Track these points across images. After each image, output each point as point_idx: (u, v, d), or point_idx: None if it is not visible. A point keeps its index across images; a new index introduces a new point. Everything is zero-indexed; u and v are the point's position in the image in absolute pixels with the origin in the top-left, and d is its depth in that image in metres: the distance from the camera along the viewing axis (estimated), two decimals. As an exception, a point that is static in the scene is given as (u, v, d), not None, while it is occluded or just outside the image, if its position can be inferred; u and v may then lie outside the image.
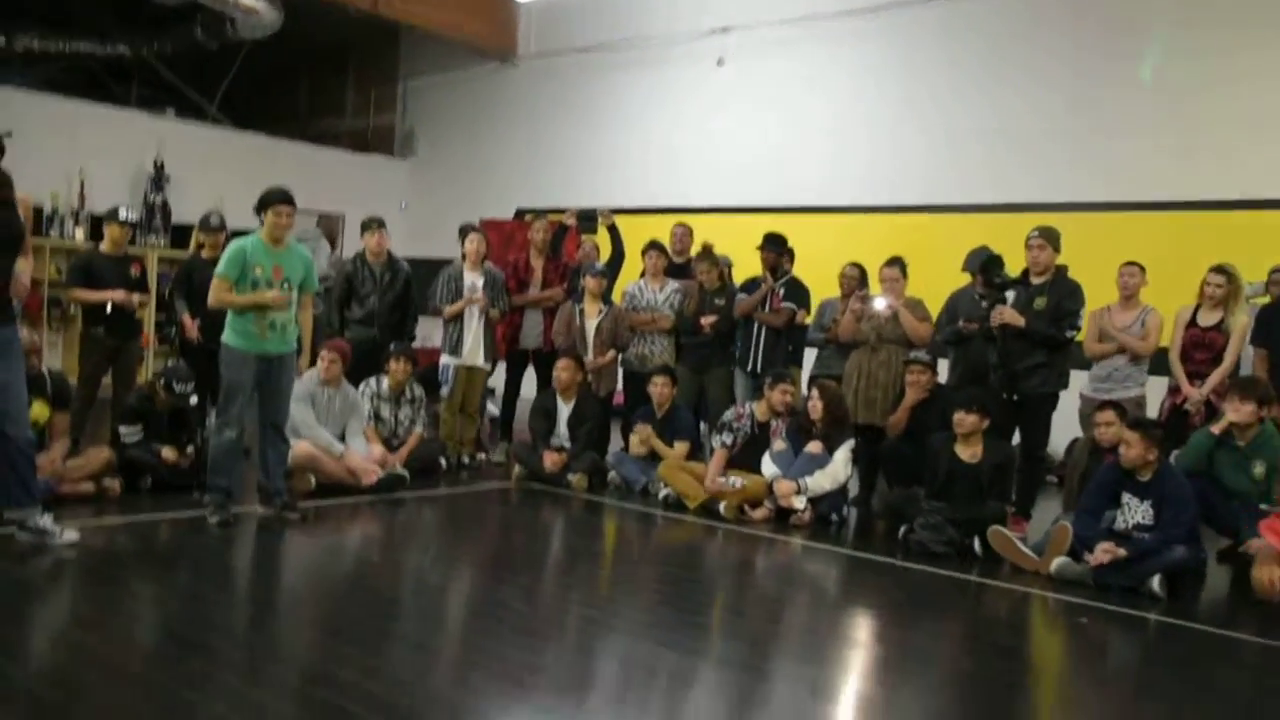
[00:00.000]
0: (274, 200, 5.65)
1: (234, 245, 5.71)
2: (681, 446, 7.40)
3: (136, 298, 7.18)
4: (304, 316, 5.95)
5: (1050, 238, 6.61)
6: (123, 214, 7.32)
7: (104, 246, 7.31)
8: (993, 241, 7.32)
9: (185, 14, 12.64)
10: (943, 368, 7.18)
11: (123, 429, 6.32)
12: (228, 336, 5.66)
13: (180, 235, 11.97)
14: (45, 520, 4.81)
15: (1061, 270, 6.67)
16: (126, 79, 14.40)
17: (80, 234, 11.28)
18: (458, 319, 7.79)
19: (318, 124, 16.54)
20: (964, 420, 6.23)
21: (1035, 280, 6.61)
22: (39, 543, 4.78)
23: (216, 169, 12.26)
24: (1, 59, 13.14)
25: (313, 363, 6.71)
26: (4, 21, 13.15)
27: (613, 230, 8.63)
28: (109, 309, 7.06)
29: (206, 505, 5.62)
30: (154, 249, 11.73)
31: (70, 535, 4.83)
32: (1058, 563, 5.55)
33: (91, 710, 3.18)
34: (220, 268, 5.64)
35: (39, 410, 5.68)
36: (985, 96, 9.96)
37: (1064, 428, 7.17)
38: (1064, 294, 6.52)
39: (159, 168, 12.17)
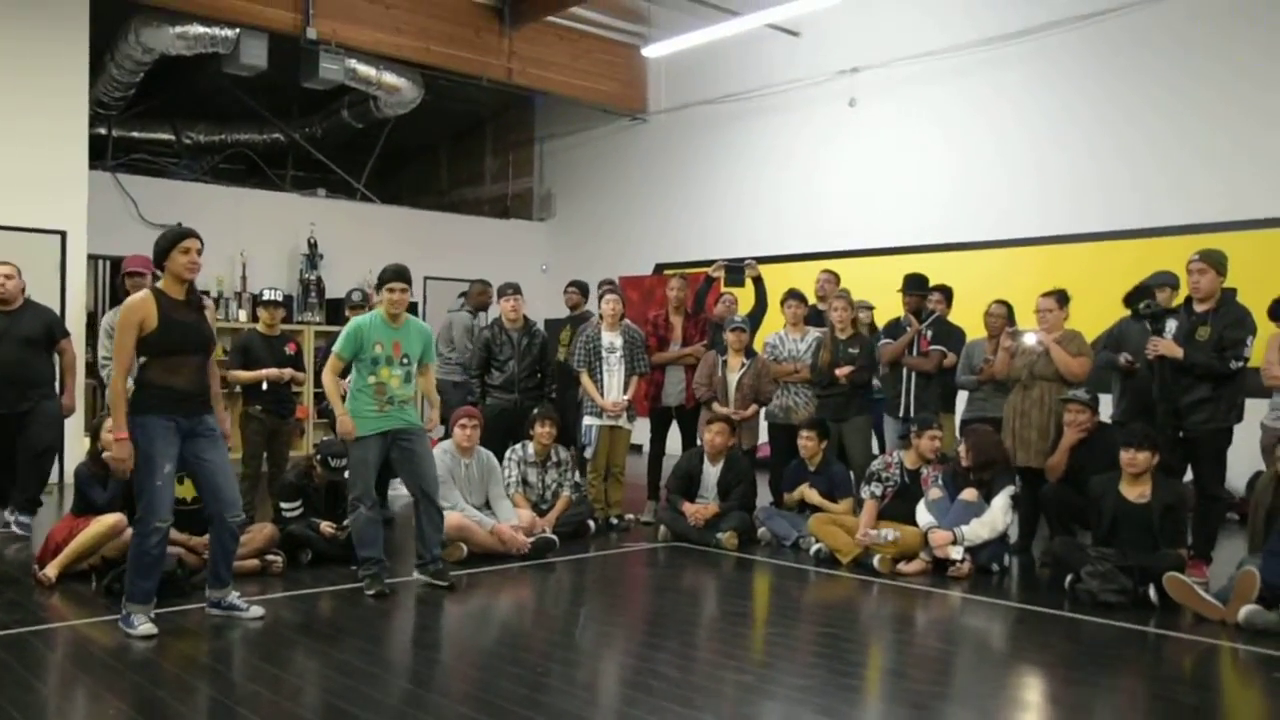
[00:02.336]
0: (387, 279, 5.83)
1: (351, 324, 5.92)
2: (845, 503, 7.23)
3: (288, 373, 7.47)
4: (425, 384, 6.12)
5: (1213, 261, 6.23)
6: (268, 295, 7.66)
7: (259, 327, 7.65)
8: (1158, 267, 6.97)
9: (333, 97, 13.30)
10: (1106, 401, 6.83)
11: (283, 505, 6.55)
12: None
13: (334, 310, 12.50)
14: (235, 597, 5.18)
15: (1228, 295, 6.28)
16: (281, 163, 15.21)
17: (243, 314, 11.87)
18: (597, 380, 7.83)
19: (459, 193, 17.12)
20: (1135, 459, 5.88)
21: (1198, 308, 6.25)
22: (228, 619, 5.10)
23: (365, 244, 12.78)
24: (172, 154, 14.07)
25: (443, 419, 6.81)
26: (174, 119, 14.11)
27: (758, 282, 8.61)
28: (264, 387, 7.37)
29: (362, 579, 5.78)
30: (310, 325, 12.23)
31: (256, 610, 5.17)
32: (1246, 611, 5.17)
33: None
34: (336, 346, 5.89)
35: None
36: (1129, 118, 9.55)
37: (1245, 460, 6.74)
38: (1229, 321, 6.12)
39: (312, 246, 12.75)
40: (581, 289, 9.23)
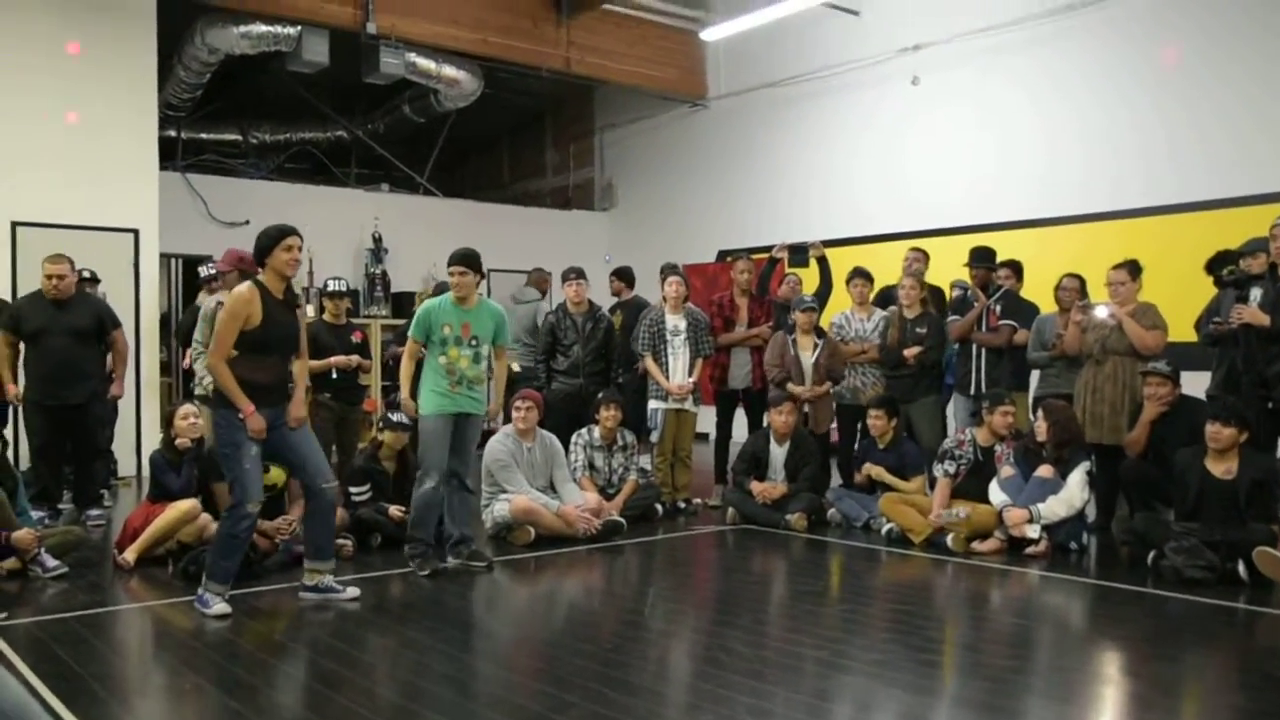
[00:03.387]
0: (450, 263, 5.95)
1: (422, 307, 6.05)
2: (917, 481, 7.12)
3: (355, 360, 7.53)
4: (498, 367, 6.20)
5: (1299, 225, 6.01)
6: (333, 286, 7.74)
7: (325, 316, 7.73)
8: (1233, 238, 6.75)
9: (395, 92, 13.43)
10: (1191, 377, 6.62)
11: (352, 489, 6.62)
12: (423, 397, 5.93)
13: (400, 303, 12.61)
14: (331, 579, 5.26)
15: (1317, 260, 6.06)
16: (345, 160, 15.39)
17: (311, 310, 12.00)
18: (662, 363, 7.80)
19: (521, 185, 17.20)
20: (1220, 434, 5.69)
21: (1285, 273, 6.04)
22: (324, 600, 5.17)
23: (429, 237, 12.87)
24: (239, 153, 14.33)
25: (505, 410, 6.85)
26: (240, 120, 14.38)
27: (822, 262, 8.52)
28: (334, 375, 7.45)
29: (410, 558, 5.86)
30: (376, 319, 12.36)
31: (352, 591, 5.25)
32: (1340, 585, 4.98)
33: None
34: (411, 330, 5.99)
35: (277, 474, 6.06)
36: (1200, 88, 9.25)
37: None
38: (1319, 286, 5.90)
39: (377, 241, 12.88)
40: (623, 276, 9.21)
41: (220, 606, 4.91)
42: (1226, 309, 6.31)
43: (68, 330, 7.19)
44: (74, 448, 7.45)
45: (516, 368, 8.78)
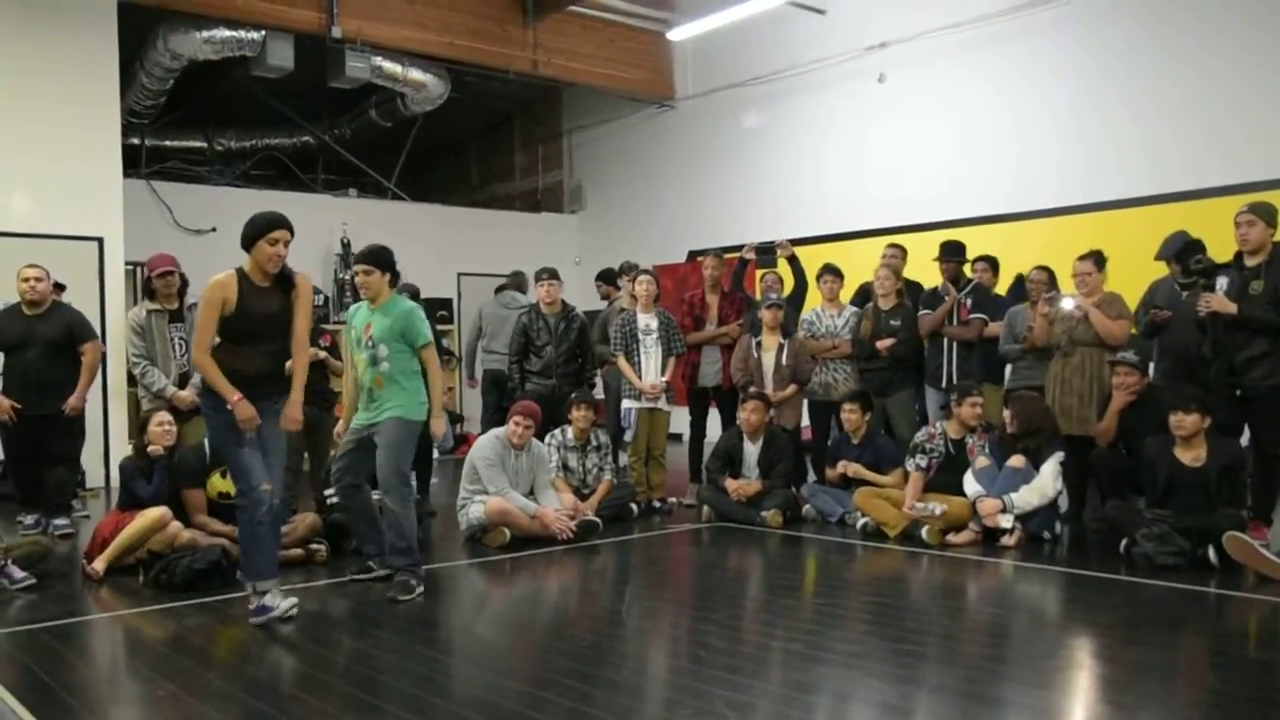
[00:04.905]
0: (355, 262, 5.60)
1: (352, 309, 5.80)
2: (895, 475, 7.14)
3: (322, 354, 7.44)
4: (431, 380, 5.58)
5: (1262, 212, 6.10)
6: None
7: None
8: (1206, 228, 6.84)
9: (361, 97, 13.37)
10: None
11: (327, 493, 6.57)
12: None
13: (370, 308, 12.55)
14: (268, 598, 4.86)
15: (1280, 248, 6.14)
16: (312, 166, 15.31)
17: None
18: (634, 362, 7.80)
19: (490, 189, 17.17)
20: (1183, 421, 5.77)
21: (1250, 262, 6.11)
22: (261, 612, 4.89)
23: (398, 242, 12.47)
24: (204, 160, 14.21)
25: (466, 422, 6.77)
26: (205, 127, 14.26)
27: (793, 261, 8.55)
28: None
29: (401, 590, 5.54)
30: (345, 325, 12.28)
31: (289, 603, 4.89)
32: (1310, 568, 5.04)
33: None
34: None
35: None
36: (1170, 79, 9.35)
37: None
38: (1284, 273, 5.98)
39: (346, 246, 12.80)
40: (607, 278, 9.22)
41: (283, 603, 4.78)
42: (1164, 299, 6.43)
43: (44, 342, 7.24)
44: (42, 462, 7.40)
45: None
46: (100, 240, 9.80)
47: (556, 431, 7.51)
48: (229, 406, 4.73)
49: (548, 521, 6.66)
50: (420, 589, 5.34)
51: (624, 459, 8.14)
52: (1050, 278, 7.29)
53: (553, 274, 8.09)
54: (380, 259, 5.52)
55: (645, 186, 14.47)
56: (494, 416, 9.05)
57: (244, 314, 4.78)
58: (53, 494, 7.36)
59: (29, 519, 7.38)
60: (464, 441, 10.99)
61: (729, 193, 13.27)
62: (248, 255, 4.84)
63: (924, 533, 6.43)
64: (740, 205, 13.03)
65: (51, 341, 7.26)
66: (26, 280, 7.23)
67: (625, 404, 7.88)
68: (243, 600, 5.20)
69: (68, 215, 9.56)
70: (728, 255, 8.85)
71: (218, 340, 4.79)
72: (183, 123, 13.89)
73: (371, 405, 5.49)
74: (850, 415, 7.36)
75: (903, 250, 8.30)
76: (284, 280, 4.91)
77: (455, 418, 12.60)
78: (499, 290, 10.15)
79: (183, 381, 7.14)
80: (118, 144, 10.09)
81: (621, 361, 7.86)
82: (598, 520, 6.99)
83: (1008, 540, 6.23)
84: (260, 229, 4.79)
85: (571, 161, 15.84)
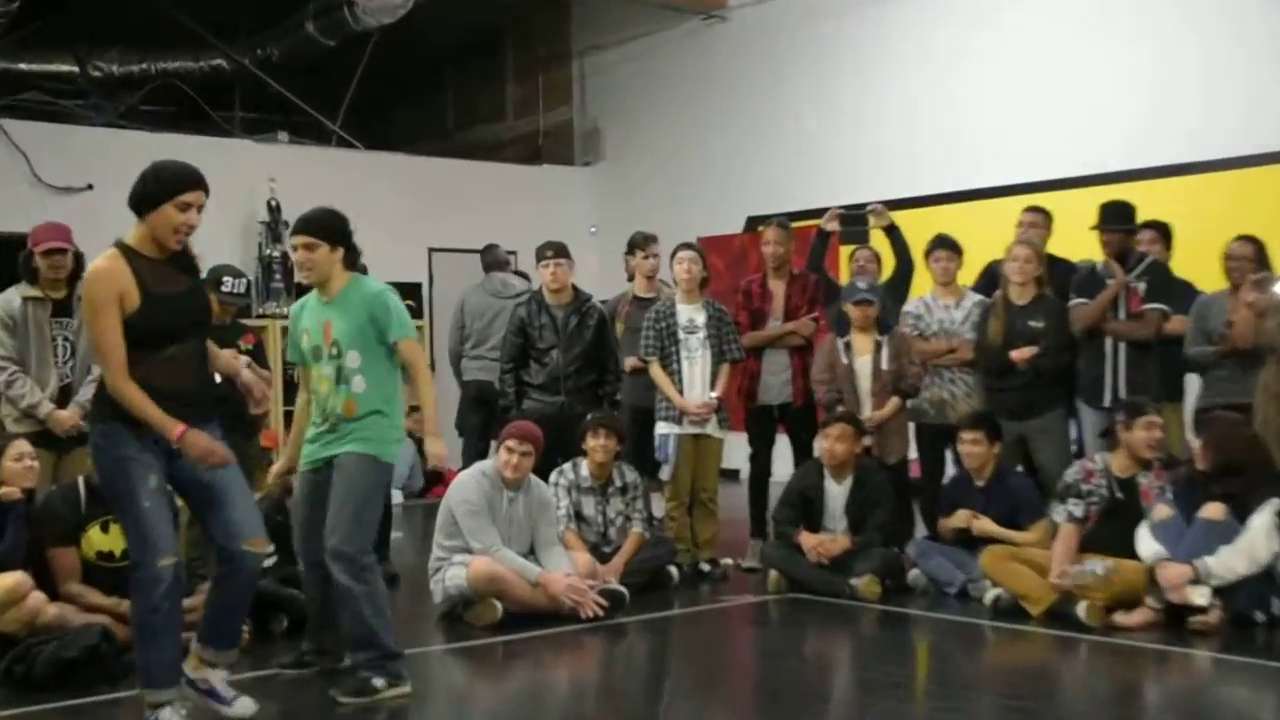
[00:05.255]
0: (291, 234, 5.60)
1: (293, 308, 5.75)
2: (1036, 529, 7.06)
3: (242, 367, 7.42)
4: (419, 387, 5.55)
5: None
6: (230, 284, 7.59)
7: (205, 317, 7.67)
8: None
9: (294, 7, 13.39)
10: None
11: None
12: None
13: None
14: (223, 678, 4.93)
15: None
16: (227, 100, 15.37)
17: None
18: (672, 371, 7.79)
19: (472, 132, 17.21)
20: None
21: None
22: (204, 705, 4.88)
23: (348, 204, 12.44)
24: (76, 91, 14.26)
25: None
26: (75, 45, 14.29)
27: (892, 232, 8.50)
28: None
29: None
30: (275, 318, 12.28)
31: (245, 705, 4.88)
32: None
33: None
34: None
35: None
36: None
37: None
38: None
39: (274, 210, 12.83)
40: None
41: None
42: None
43: None
44: None
45: None
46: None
47: (566, 467, 7.48)
48: (173, 444, 4.59)
49: (555, 591, 6.61)
50: (393, 691, 5.22)
51: (659, 505, 8.09)
52: (1258, 251, 7.23)
53: (559, 250, 8.07)
54: (328, 228, 5.39)
55: (686, 129, 14.46)
56: (479, 445, 9.03)
57: (153, 306, 4.64)
58: None
59: None
60: (439, 480, 10.98)
61: (801, 139, 13.24)
62: (138, 221, 4.74)
63: (1081, 610, 6.35)
64: (817, 155, 13.00)
65: None
66: None
67: (661, 429, 7.85)
68: (130, 701, 5.17)
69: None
70: (798, 225, 8.81)
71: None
72: (45, 38, 13.96)
73: (331, 434, 5.39)
74: (974, 447, 7.29)
75: (1046, 216, 8.22)
76: (185, 259, 4.85)
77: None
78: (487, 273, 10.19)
79: (64, 397, 7.14)
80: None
81: (655, 370, 7.84)
82: (623, 589, 6.95)
83: (1201, 622, 6.16)
84: (167, 187, 4.66)
85: (584, 95, 15.87)
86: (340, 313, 5.33)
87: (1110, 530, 6.59)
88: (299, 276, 5.49)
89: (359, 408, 5.28)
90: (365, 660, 5.27)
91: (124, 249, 4.66)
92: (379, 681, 5.22)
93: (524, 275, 10.07)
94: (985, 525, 7.20)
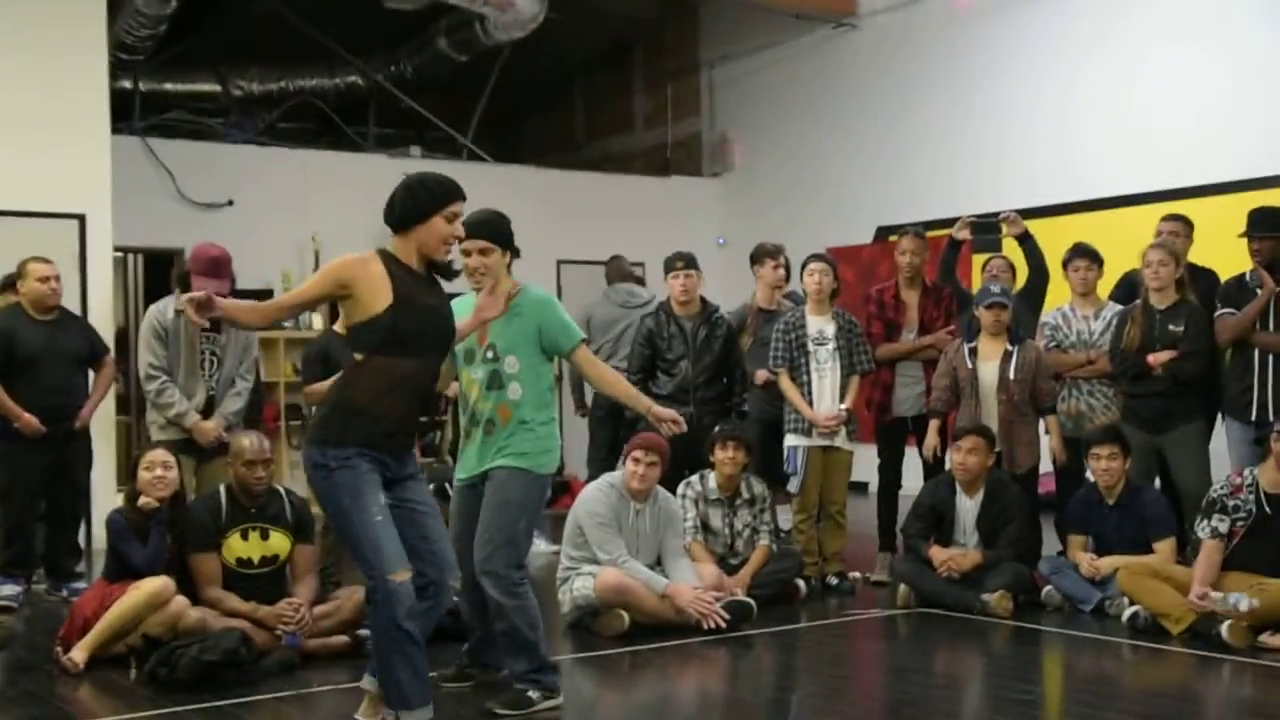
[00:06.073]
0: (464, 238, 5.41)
1: None
2: (1164, 547, 6.95)
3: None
4: (609, 385, 5.75)
5: None
6: None
7: (338, 327, 7.79)
8: None
9: (426, 23, 13.58)
10: None
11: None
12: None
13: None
14: None
15: None
16: (362, 116, 15.60)
17: (318, 320, 12.12)
18: (801, 383, 7.77)
19: (602, 144, 17.31)
20: None
21: None
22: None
23: None
24: (218, 110, 14.61)
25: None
26: (218, 65, 14.62)
27: (1025, 240, 8.38)
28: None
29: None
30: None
31: None
32: None
33: None
34: None
35: (279, 542, 6.18)
36: None
37: None
38: None
39: (408, 224, 13.01)
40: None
41: None
42: None
43: (63, 354, 7.78)
44: (52, 496, 7.89)
45: None
46: (81, 218, 10.13)
47: (694, 479, 7.49)
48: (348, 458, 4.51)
49: (682, 603, 6.62)
50: (547, 704, 5.24)
51: (787, 517, 8.08)
52: None
53: (689, 261, 8.08)
54: (502, 232, 5.37)
55: (815, 138, 14.42)
56: (607, 459, 9.06)
57: (406, 310, 4.53)
58: (66, 549, 7.88)
59: (8, 588, 7.64)
60: (566, 491, 11.05)
61: (936, 148, 13.14)
62: (395, 235, 4.67)
63: (1224, 630, 6.20)
64: (952, 164, 12.89)
65: (73, 354, 7.82)
66: (45, 280, 7.66)
67: (790, 441, 7.84)
68: (270, 704, 5.27)
69: (37, 184, 9.79)
70: (931, 234, 8.73)
71: (358, 358, 4.58)
72: (189, 59, 14.26)
73: (482, 448, 5.39)
74: (1110, 463, 7.13)
75: (1187, 224, 8.04)
76: (442, 271, 4.79)
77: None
78: (611, 284, 10.23)
79: (208, 409, 7.35)
80: (104, 89, 10.39)
81: (785, 382, 7.82)
82: (751, 602, 6.94)
83: (1355, 645, 5.99)
84: (437, 199, 4.62)
85: (713, 106, 15.89)
86: (502, 318, 5.30)
87: (1256, 546, 6.44)
88: (471, 283, 5.32)
89: (514, 415, 5.28)
90: (521, 673, 5.30)
91: (384, 254, 4.61)
92: (534, 694, 5.26)
93: (642, 282, 10.06)
94: (1097, 565, 7.10)
